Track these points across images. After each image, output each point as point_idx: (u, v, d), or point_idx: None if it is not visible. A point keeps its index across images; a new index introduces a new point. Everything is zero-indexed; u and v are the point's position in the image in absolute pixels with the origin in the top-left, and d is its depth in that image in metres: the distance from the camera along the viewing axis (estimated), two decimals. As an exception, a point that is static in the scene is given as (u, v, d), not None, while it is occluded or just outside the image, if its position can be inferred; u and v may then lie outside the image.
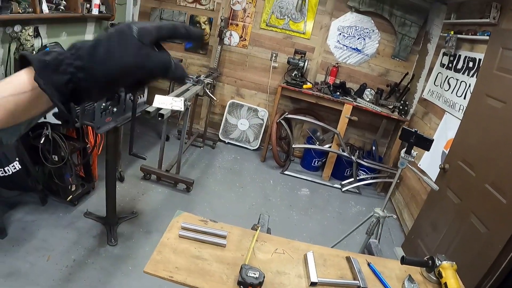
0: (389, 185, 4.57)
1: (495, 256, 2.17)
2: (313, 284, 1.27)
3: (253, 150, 4.86)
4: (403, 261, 1.39)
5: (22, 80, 0.47)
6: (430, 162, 3.54)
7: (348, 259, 1.45)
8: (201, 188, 3.62)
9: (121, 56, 0.46)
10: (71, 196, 2.64)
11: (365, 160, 4.38)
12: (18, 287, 2.07)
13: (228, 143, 4.87)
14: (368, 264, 1.44)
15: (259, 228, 1.52)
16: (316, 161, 4.71)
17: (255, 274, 1.22)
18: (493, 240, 2.22)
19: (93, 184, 2.95)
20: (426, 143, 2.19)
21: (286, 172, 4.45)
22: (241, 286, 1.20)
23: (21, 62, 0.49)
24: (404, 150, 2.30)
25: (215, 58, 4.48)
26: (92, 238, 2.57)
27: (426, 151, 3.57)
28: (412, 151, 2.25)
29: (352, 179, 4.46)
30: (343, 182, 4.49)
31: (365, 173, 4.55)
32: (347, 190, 4.40)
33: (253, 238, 1.43)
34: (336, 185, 4.46)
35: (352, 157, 4.30)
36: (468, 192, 2.59)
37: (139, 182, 3.40)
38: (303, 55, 4.33)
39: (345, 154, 4.31)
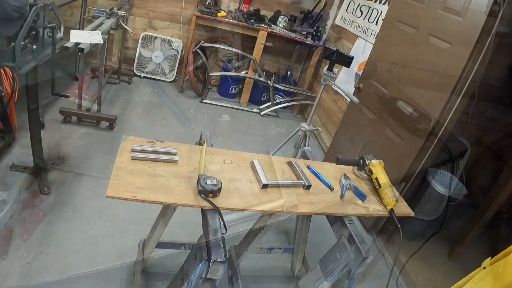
0: (305, 107, 5.03)
1: (410, 162, 2.49)
2: (264, 186, 1.41)
3: (170, 82, 4.82)
4: (338, 161, 1.61)
5: None
6: (344, 83, 3.83)
7: (289, 163, 1.60)
8: (123, 124, 3.58)
9: None
10: (-8, 152, 2.43)
11: (281, 84, 4.68)
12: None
13: (144, 77, 4.74)
14: (308, 167, 1.63)
15: (205, 142, 1.60)
16: (233, 88, 4.88)
17: (212, 181, 1.27)
18: (407, 149, 2.53)
19: (13, 136, 2.73)
20: (347, 60, 2.33)
21: (205, 101, 4.56)
22: (202, 195, 1.25)
23: None
24: (326, 67, 2.45)
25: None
26: (24, 191, 2.44)
27: (341, 74, 3.90)
28: (334, 68, 2.41)
29: (270, 103, 4.76)
30: (261, 107, 4.77)
31: (281, 97, 4.88)
32: (265, 114, 4.71)
33: (202, 151, 1.50)
34: (254, 110, 4.74)
35: (269, 81, 4.55)
36: (382, 108, 2.85)
37: (60, 126, 3.23)
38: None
39: (261, 79, 4.54)
